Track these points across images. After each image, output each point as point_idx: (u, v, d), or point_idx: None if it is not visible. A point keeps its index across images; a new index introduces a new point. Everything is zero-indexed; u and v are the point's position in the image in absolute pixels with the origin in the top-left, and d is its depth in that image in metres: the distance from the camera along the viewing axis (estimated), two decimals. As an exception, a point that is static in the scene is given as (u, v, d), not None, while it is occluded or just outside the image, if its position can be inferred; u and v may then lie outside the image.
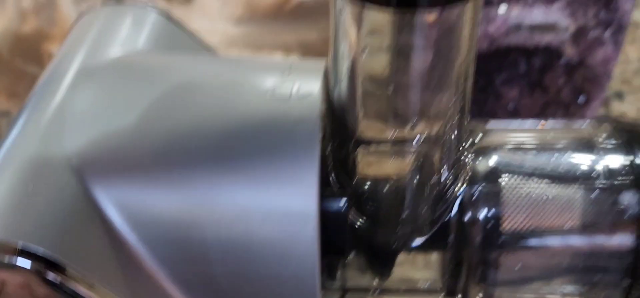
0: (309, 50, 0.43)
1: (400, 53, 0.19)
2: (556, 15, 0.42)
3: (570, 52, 0.42)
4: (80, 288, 0.18)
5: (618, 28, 0.41)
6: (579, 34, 0.42)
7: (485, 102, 0.47)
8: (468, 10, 0.18)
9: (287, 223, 0.20)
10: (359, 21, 0.19)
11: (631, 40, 0.57)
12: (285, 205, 0.20)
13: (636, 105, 0.52)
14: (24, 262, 0.18)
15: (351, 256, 0.24)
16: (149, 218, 0.20)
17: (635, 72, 0.55)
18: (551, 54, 0.44)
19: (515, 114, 0.47)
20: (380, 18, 0.18)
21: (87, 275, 0.19)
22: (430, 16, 0.18)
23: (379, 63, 0.20)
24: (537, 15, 0.42)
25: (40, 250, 0.18)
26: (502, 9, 0.42)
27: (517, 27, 0.42)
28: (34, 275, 0.18)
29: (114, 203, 0.20)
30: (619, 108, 0.52)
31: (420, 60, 0.19)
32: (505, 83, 0.46)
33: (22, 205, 0.19)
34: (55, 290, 0.18)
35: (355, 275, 0.25)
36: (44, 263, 0.18)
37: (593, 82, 0.43)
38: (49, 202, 0.20)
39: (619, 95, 0.53)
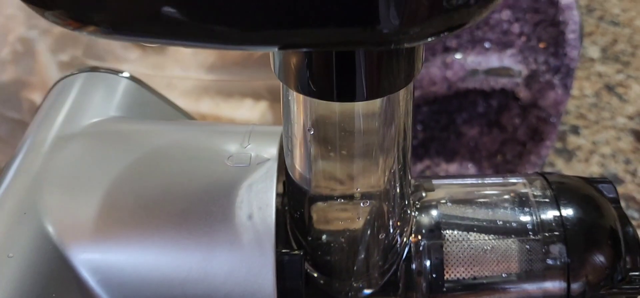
0: (277, 97, 0.45)
1: (344, 129, 0.21)
2: (509, 60, 0.44)
3: (523, 94, 0.45)
4: None
5: (566, 73, 0.44)
6: (531, 78, 0.44)
7: (448, 140, 0.50)
8: (402, 92, 0.21)
9: (247, 281, 0.22)
10: (305, 104, 0.21)
11: (586, 76, 0.60)
12: (245, 264, 0.23)
13: (591, 138, 0.55)
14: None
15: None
16: (120, 280, 0.22)
17: (590, 107, 0.58)
18: (507, 95, 0.47)
19: (475, 150, 0.50)
20: (323, 104, 0.20)
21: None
22: (368, 104, 0.20)
23: (325, 136, 0.22)
24: (492, 60, 0.45)
25: None
26: (459, 55, 0.45)
27: (474, 72, 0.45)
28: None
29: (88, 266, 0.22)
30: (575, 141, 0.55)
31: (362, 134, 0.21)
32: (465, 122, 0.49)
33: (0, 271, 0.21)
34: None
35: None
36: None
37: (545, 122, 0.46)
38: (27, 267, 0.22)
39: (575, 129, 0.56)
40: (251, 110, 0.44)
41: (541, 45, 0.45)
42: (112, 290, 0.22)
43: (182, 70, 0.46)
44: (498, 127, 0.48)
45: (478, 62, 0.45)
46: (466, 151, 0.50)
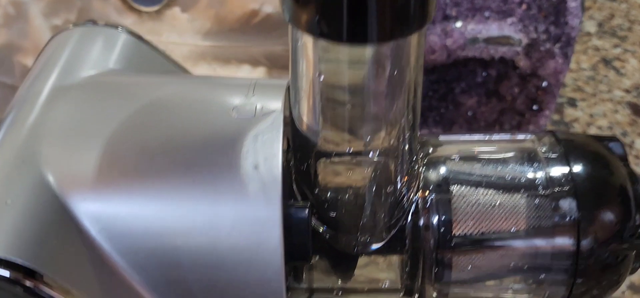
0: (275, 62, 0.44)
1: (354, 78, 0.21)
2: (509, 29, 0.44)
3: (523, 63, 0.45)
4: (57, 295, 0.20)
5: (567, 42, 0.43)
6: (530, 47, 0.44)
7: (446, 110, 0.50)
8: (413, 40, 0.20)
9: (252, 232, 0.22)
10: (314, 49, 0.20)
11: (583, 50, 0.60)
12: (251, 215, 0.22)
13: (588, 111, 0.55)
14: (2, 272, 0.19)
15: (315, 260, 0.26)
16: (122, 229, 0.22)
17: (587, 80, 0.58)
18: (506, 65, 0.46)
19: (473, 120, 0.50)
20: (333, 48, 0.20)
21: (63, 282, 0.20)
22: (379, 48, 0.20)
23: (335, 84, 0.21)
24: (492, 29, 0.44)
25: (18, 259, 0.20)
26: (459, 23, 0.44)
27: (474, 40, 0.44)
28: (13, 283, 0.19)
29: (89, 215, 0.22)
30: (572, 114, 0.55)
31: (372, 84, 0.21)
32: (464, 92, 0.48)
33: (0, 218, 0.21)
34: (33, 295, 0.20)
35: (321, 276, 0.26)
36: (22, 272, 0.19)
37: (545, 91, 0.45)
38: (26, 214, 0.21)
39: (572, 102, 0.56)
40: (249, 76, 0.43)
41: (542, 14, 0.44)
42: (114, 240, 0.22)
43: (178, 36, 0.45)
44: (497, 97, 0.48)
45: (478, 30, 0.44)
46: (464, 121, 0.50)
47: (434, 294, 0.26)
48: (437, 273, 0.25)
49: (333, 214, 0.25)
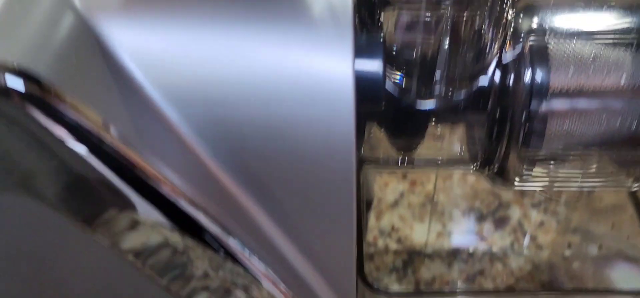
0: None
1: None
2: None
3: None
4: (73, 112, 0.15)
5: None
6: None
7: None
8: None
9: (322, 63, 0.18)
10: None
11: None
12: (320, 44, 0.18)
13: None
14: (16, 83, 0.15)
15: (383, 125, 0.22)
16: (156, 60, 0.17)
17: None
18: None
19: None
20: None
21: (83, 103, 0.16)
22: None
23: None
24: None
25: (34, 71, 0.15)
26: None
27: None
28: (26, 99, 0.15)
29: (119, 42, 0.17)
30: None
31: None
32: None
33: (18, 29, 0.16)
34: (49, 113, 0.15)
35: (387, 145, 0.22)
36: (38, 85, 0.15)
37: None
38: (47, 29, 0.17)
39: None
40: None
41: None
42: (147, 70, 0.17)
43: None
44: None
45: None
46: None
47: (516, 166, 0.22)
48: (526, 136, 0.21)
49: (408, 58, 0.21)
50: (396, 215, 0.42)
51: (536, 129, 0.21)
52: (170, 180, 0.16)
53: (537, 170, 0.22)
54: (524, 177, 0.23)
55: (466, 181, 0.44)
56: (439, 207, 0.43)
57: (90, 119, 0.16)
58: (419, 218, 0.42)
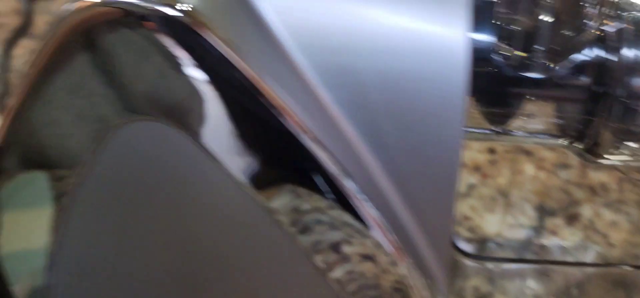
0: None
1: None
2: None
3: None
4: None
5: None
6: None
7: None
8: None
9: (432, 25, 0.19)
10: None
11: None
12: (437, 28, 0.19)
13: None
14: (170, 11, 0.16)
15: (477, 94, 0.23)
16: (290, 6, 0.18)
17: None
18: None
19: None
20: None
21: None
22: None
23: None
24: None
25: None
26: None
27: None
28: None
29: None
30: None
31: None
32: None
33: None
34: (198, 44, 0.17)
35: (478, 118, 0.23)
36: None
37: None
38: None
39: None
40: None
41: None
42: (279, 12, 0.18)
43: None
44: None
45: None
46: None
47: (610, 141, 0.22)
48: (624, 113, 0.22)
49: (508, 28, 0.21)
50: (467, 205, 0.43)
51: (635, 106, 0.21)
52: (297, 115, 0.17)
53: (631, 146, 0.23)
54: (616, 153, 0.23)
55: (537, 177, 0.44)
56: (509, 200, 0.43)
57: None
58: (490, 210, 0.42)
